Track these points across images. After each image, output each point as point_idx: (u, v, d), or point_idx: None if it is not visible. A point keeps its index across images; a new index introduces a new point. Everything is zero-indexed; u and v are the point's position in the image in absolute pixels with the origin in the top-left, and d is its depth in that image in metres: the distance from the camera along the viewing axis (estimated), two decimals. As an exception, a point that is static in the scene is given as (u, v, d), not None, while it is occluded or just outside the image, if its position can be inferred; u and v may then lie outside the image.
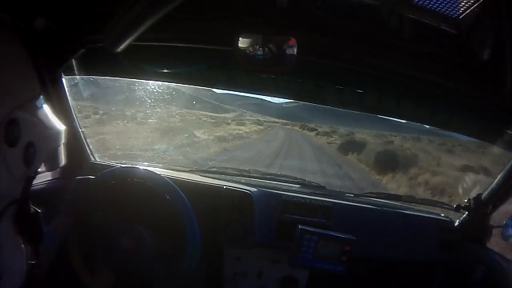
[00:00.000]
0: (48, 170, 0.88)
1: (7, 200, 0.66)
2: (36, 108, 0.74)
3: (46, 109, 0.77)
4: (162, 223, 1.26)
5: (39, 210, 0.76)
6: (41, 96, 0.77)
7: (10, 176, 0.64)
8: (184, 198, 1.23)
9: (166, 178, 1.26)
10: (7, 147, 0.62)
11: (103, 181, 1.26)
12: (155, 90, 2.10)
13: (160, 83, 1.78)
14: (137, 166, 1.38)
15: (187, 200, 1.23)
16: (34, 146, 0.69)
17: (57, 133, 0.79)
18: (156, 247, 1.25)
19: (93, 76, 1.56)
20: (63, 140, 0.83)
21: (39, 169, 0.75)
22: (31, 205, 0.74)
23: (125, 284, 1.23)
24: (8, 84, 0.66)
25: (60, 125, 0.81)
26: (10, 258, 0.69)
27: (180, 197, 1.23)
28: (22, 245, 0.73)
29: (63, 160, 0.86)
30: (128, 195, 1.27)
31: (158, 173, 1.28)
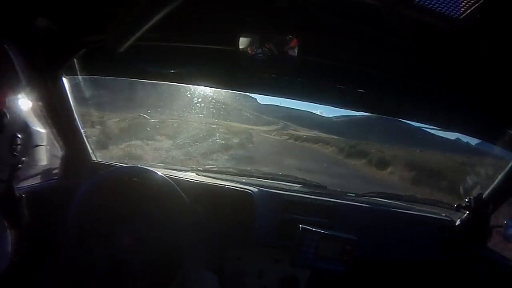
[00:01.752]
0: (31, 164, 1.00)
1: None
2: (22, 106, 0.84)
3: (32, 110, 0.89)
4: (162, 222, 1.26)
5: (23, 195, 0.84)
6: (28, 96, 0.87)
7: None
8: (183, 195, 1.24)
9: (167, 178, 1.27)
10: None
11: (104, 180, 1.26)
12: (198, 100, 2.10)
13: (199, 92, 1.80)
14: (138, 166, 1.38)
15: (187, 199, 1.24)
16: (19, 138, 0.80)
17: (39, 133, 0.91)
18: (156, 246, 1.25)
19: (94, 76, 1.56)
20: (45, 141, 0.95)
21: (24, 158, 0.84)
22: (18, 192, 0.82)
23: (125, 283, 1.24)
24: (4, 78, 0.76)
25: (42, 127, 0.93)
26: None
27: (180, 196, 1.23)
28: (7, 230, 0.79)
29: (45, 160, 0.98)
30: (128, 194, 1.27)
31: (158, 173, 1.29)
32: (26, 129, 0.85)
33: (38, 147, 0.94)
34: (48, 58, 0.99)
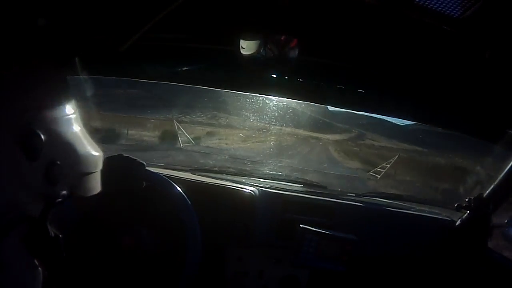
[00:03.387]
0: (78, 196, 0.79)
1: (18, 211, 0.63)
2: (65, 129, 0.70)
3: (79, 132, 0.73)
4: (162, 223, 1.26)
5: (60, 235, 0.70)
6: (76, 116, 0.72)
7: (26, 191, 0.62)
8: (186, 198, 1.23)
9: (166, 178, 1.27)
10: (24, 159, 0.60)
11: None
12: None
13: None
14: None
15: (188, 199, 1.24)
16: (60, 166, 0.66)
17: (88, 158, 0.74)
18: (156, 247, 1.25)
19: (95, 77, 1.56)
20: (99, 166, 0.77)
21: (65, 192, 0.69)
22: (51, 228, 0.68)
23: (125, 283, 1.24)
24: (33, 100, 0.64)
25: (97, 151, 0.75)
26: (20, 280, 0.65)
27: (182, 197, 1.23)
28: (39, 269, 0.68)
29: (98, 188, 0.80)
30: (128, 194, 1.27)
31: (158, 173, 1.29)
32: (71, 153, 0.70)
33: (88, 175, 0.76)
34: (49, 58, 0.99)
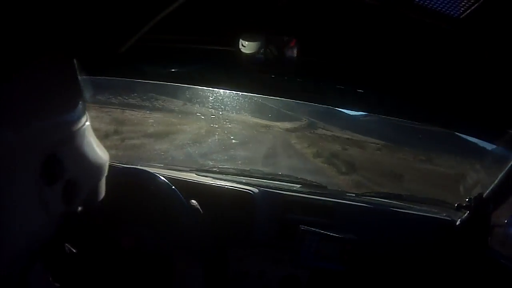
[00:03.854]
0: (88, 207, 0.77)
1: (41, 240, 0.61)
2: (79, 142, 0.66)
3: (92, 141, 0.70)
4: (162, 223, 1.26)
5: (74, 251, 0.70)
6: (89, 125, 0.69)
7: (46, 215, 0.59)
8: (182, 198, 1.24)
9: (163, 178, 1.27)
10: (44, 186, 0.57)
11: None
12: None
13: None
14: (137, 167, 1.38)
15: (187, 200, 1.24)
16: (76, 184, 0.63)
17: (100, 167, 0.72)
18: (156, 247, 1.25)
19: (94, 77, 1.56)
20: (105, 172, 0.75)
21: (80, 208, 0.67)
22: (67, 246, 0.68)
23: (125, 284, 1.24)
24: (50, 117, 0.60)
25: (103, 156, 0.73)
26: None
27: (178, 197, 1.24)
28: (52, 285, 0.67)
29: (103, 193, 0.78)
30: (128, 195, 1.27)
31: (158, 173, 1.29)
32: (85, 167, 0.66)
33: (98, 183, 0.74)
34: (63, 61, 0.99)
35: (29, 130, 0.55)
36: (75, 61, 0.77)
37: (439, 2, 0.79)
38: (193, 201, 1.28)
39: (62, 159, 0.59)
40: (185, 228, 1.25)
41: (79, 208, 0.67)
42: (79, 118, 0.66)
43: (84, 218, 0.74)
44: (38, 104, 0.58)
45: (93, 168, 0.70)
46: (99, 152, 0.71)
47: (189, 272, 1.28)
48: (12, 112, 0.54)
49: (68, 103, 0.65)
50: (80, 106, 0.68)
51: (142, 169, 1.31)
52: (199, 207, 1.27)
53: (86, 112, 0.69)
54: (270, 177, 1.79)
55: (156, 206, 1.26)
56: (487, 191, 1.50)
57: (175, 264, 1.26)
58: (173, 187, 1.25)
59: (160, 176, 1.28)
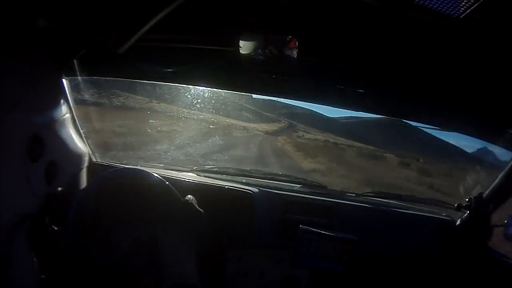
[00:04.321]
0: (69, 192, 0.86)
1: (22, 213, 0.66)
2: (61, 129, 0.75)
3: (73, 131, 0.78)
4: (161, 223, 1.26)
5: (56, 228, 0.75)
6: (70, 117, 0.77)
7: (29, 192, 0.65)
8: (180, 198, 1.24)
9: (162, 178, 1.27)
10: (29, 162, 0.64)
11: (103, 181, 1.26)
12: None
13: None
14: (137, 167, 1.38)
15: (184, 201, 1.24)
16: (57, 165, 0.71)
17: (79, 156, 0.80)
18: (155, 248, 1.25)
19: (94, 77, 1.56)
20: (86, 163, 0.84)
21: (60, 188, 0.74)
22: (48, 223, 0.73)
23: (125, 285, 1.23)
24: (33, 101, 0.67)
25: (83, 148, 0.81)
26: (21, 273, 0.68)
27: (176, 197, 1.24)
28: (35, 261, 0.72)
29: (84, 183, 0.87)
30: (128, 196, 1.27)
31: (158, 173, 1.29)
32: (65, 153, 0.75)
33: (78, 171, 0.82)
34: (48, 59, 0.99)
35: (16, 112, 0.62)
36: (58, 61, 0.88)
37: (439, 2, 0.79)
38: (189, 196, 1.28)
39: (44, 139, 0.66)
40: (184, 228, 1.25)
41: (60, 189, 0.75)
42: (60, 108, 0.75)
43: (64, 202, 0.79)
44: (23, 93, 0.66)
45: (73, 156, 0.79)
46: (79, 143, 0.80)
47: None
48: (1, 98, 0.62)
49: (49, 95, 0.75)
50: (61, 98, 0.77)
51: (142, 169, 1.31)
52: (195, 203, 1.27)
53: (68, 106, 0.78)
54: (270, 177, 1.79)
55: (156, 207, 1.26)
56: (487, 191, 1.50)
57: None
58: (172, 187, 1.25)
59: (160, 176, 1.28)
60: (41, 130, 0.66)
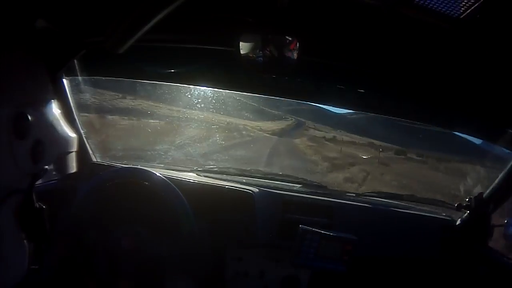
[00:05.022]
0: (56, 173, 0.90)
1: (9, 189, 0.68)
2: (48, 110, 0.77)
3: (59, 114, 0.80)
4: (161, 223, 1.26)
5: (44, 207, 0.77)
6: (54, 99, 0.80)
7: (15, 168, 0.67)
8: (182, 197, 1.24)
9: (164, 178, 1.27)
10: (15, 139, 0.65)
11: (103, 181, 1.26)
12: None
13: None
14: (137, 167, 1.38)
15: (187, 200, 1.24)
16: (43, 145, 0.72)
17: (67, 138, 0.83)
18: (156, 247, 1.25)
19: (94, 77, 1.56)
20: (74, 147, 0.86)
21: (47, 167, 0.76)
22: (36, 202, 0.75)
23: (125, 284, 1.24)
24: (19, 81, 0.69)
25: (71, 132, 0.84)
26: (9, 251, 0.70)
27: (178, 196, 1.24)
28: (24, 241, 0.74)
29: (73, 167, 0.89)
30: (128, 195, 1.27)
31: (157, 173, 1.29)
32: (52, 133, 0.78)
33: (66, 154, 0.86)
34: (48, 59, 0.99)
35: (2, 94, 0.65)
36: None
37: (439, 2, 0.79)
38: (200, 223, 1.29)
39: (29, 117, 0.68)
40: (184, 228, 1.25)
41: (47, 167, 0.76)
42: (44, 89, 0.78)
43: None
44: (19, 91, 0.69)
45: (59, 137, 0.81)
46: (65, 127, 0.83)
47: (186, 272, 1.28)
48: None
49: (47, 94, 0.77)
50: (44, 80, 0.80)
51: (143, 169, 1.31)
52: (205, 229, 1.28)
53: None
54: (270, 177, 1.79)
55: (156, 206, 1.26)
56: (487, 191, 1.50)
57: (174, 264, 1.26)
58: (175, 187, 1.25)
59: (161, 175, 1.28)
60: (25, 107, 0.68)
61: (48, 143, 0.74)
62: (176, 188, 1.25)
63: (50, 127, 0.77)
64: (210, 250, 1.27)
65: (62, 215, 1.19)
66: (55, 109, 0.81)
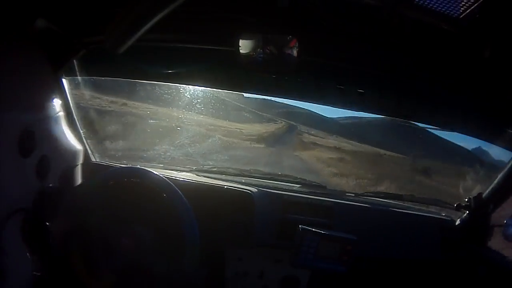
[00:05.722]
0: (62, 187, 0.89)
1: (15, 207, 0.68)
2: (54, 125, 0.77)
3: (65, 128, 0.80)
4: (161, 223, 1.26)
5: (48, 224, 0.77)
6: (61, 115, 0.80)
7: (21, 186, 0.67)
8: (183, 197, 1.23)
9: (164, 178, 1.27)
10: (20, 157, 0.65)
11: (102, 181, 1.26)
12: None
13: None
14: (137, 166, 1.38)
15: (187, 200, 1.24)
16: (49, 160, 0.72)
17: (73, 152, 0.82)
18: (155, 247, 1.25)
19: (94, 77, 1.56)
20: (80, 160, 0.86)
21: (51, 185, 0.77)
22: (41, 217, 0.75)
23: (125, 285, 1.23)
24: (20, 81, 0.69)
25: (77, 145, 0.83)
26: (14, 264, 0.69)
27: (179, 196, 1.23)
28: (28, 255, 0.73)
29: (79, 180, 0.90)
30: (128, 195, 1.27)
31: (157, 173, 1.28)
32: (57, 149, 0.77)
33: (71, 168, 0.84)
34: (48, 59, 0.99)
35: (8, 109, 0.64)
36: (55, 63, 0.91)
37: (439, 2, 0.79)
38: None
39: (36, 134, 0.68)
40: (185, 228, 1.25)
41: (53, 185, 0.77)
42: (54, 106, 0.78)
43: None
44: (19, 91, 0.68)
45: (66, 151, 0.81)
46: (71, 140, 0.84)
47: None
48: None
49: (46, 93, 0.77)
50: (58, 97, 0.80)
51: (142, 169, 1.30)
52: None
53: (68, 106, 0.83)
54: (270, 177, 1.78)
55: (156, 206, 1.26)
56: (487, 191, 1.50)
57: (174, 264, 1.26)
58: (175, 186, 1.25)
59: (161, 175, 1.28)
60: (32, 125, 0.68)
61: (54, 158, 0.74)
62: (177, 189, 1.25)
63: (55, 142, 0.77)
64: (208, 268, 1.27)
65: (62, 215, 1.19)
66: (63, 123, 0.80)
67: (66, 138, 0.80)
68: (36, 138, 0.68)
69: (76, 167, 0.86)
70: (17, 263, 0.71)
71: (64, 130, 0.81)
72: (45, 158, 0.71)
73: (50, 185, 0.75)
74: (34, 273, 0.76)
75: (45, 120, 0.74)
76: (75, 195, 1.25)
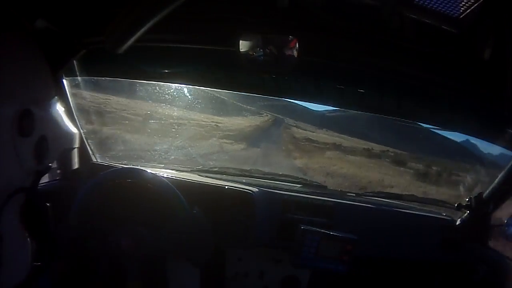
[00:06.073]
0: (59, 170, 0.91)
1: (14, 188, 0.68)
2: (51, 107, 0.79)
3: (61, 110, 0.81)
4: (161, 223, 1.26)
5: (48, 204, 0.78)
6: (56, 97, 0.81)
7: (20, 167, 0.67)
8: (181, 196, 1.24)
9: (163, 178, 1.27)
10: (19, 137, 0.66)
11: (103, 181, 1.26)
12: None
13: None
14: (137, 167, 1.38)
15: (187, 200, 1.24)
16: (47, 141, 0.73)
17: (70, 134, 0.84)
18: (156, 247, 1.25)
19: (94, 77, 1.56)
20: (77, 143, 0.88)
21: (51, 165, 0.78)
22: (39, 199, 0.76)
23: (124, 284, 1.24)
24: (23, 79, 0.70)
25: (73, 128, 0.85)
26: (13, 249, 0.70)
27: (177, 195, 1.24)
28: (28, 239, 0.73)
29: (76, 163, 0.91)
30: (128, 195, 1.27)
31: (157, 173, 1.29)
32: (55, 129, 0.79)
33: (68, 151, 0.89)
34: (48, 59, 0.99)
35: (4, 88, 0.65)
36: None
37: (439, 2, 0.79)
38: (196, 208, 1.29)
39: (34, 114, 0.69)
40: (185, 228, 1.25)
41: (51, 165, 0.77)
42: (48, 89, 0.80)
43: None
44: (19, 90, 0.69)
45: (63, 134, 0.83)
46: (67, 121, 0.85)
47: (187, 272, 1.28)
48: None
49: (46, 93, 0.78)
50: (48, 79, 0.80)
51: (142, 170, 1.31)
52: (202, 215, 1.27)
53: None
54: (270, 177, 1.78)
55: (157, 206, 1.26)
56: (487, 191, 1.50)
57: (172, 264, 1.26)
58: (173, 187, 1.25)
59: (161, 176, 1.28)
60: (31, 105, 0.69)
61: (52, 139, 0.74)
62: (175, 188, 1.25)
63: (53, 123, 0.78)
64: (210, 232, 1.26)
65: (61, 216, 1.19)
66: (57, 106, 0.82)
67: (63, 120, 0.83)
68: (35, 118, 0.69)
69: (73, 150, 0.89)
70: (16, 247, 0.72)
71: (61, 114, 0.83)
72: (44, 138, 0.73)
73: (49, 164, 0.77)
74: (34, 263, 0.76)
75: (42, 102, 0.77)
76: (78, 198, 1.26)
